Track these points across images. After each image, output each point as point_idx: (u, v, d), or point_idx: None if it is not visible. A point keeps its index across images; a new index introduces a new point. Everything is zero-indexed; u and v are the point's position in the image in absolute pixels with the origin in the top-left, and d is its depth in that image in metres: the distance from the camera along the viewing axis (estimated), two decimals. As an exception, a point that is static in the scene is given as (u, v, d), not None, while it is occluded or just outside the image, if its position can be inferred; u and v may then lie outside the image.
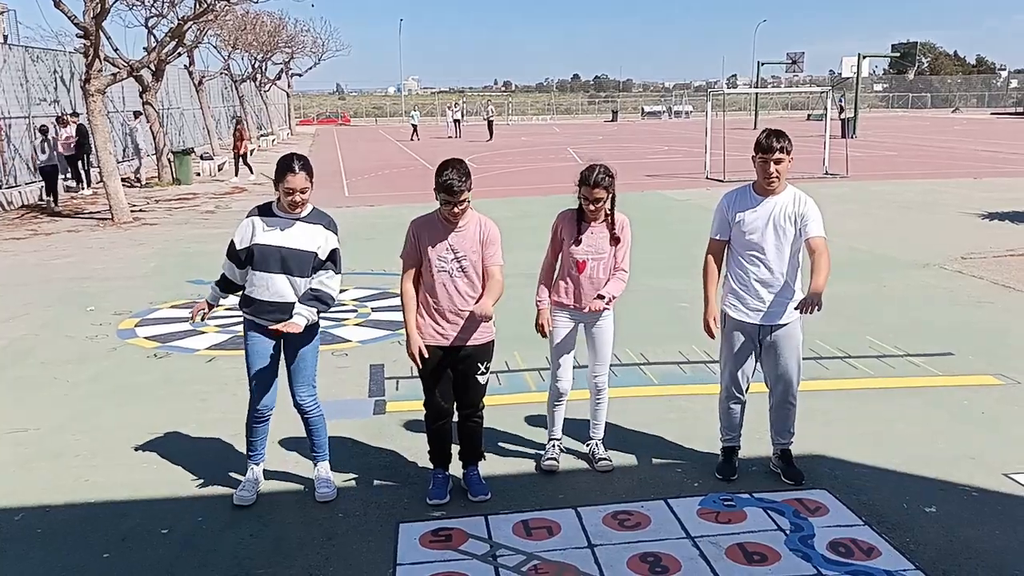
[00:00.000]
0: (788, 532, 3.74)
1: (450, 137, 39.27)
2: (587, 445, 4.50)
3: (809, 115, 53.84)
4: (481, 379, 4.06)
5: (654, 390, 5.59)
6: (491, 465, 4.44)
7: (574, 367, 4.36)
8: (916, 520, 3.84)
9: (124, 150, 21.23)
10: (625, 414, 4.98)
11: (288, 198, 3.87)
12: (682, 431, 4.83)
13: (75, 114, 18.50)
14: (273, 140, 37.75)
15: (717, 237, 4.21)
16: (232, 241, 4.00)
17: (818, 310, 3.86)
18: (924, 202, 14.85)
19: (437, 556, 3.60)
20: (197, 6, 17.54)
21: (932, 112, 68.38)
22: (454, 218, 3.87)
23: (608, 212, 4.15)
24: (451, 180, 3.76)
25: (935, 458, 4.48)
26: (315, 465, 4.22)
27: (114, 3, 15.18)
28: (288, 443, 4.80)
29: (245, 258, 3.96)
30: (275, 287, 3.91)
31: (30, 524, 3.96)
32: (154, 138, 20.51)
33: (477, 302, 3.89)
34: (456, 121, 40.70)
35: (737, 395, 4.30)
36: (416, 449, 4.56)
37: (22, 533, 3.88)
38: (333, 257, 4.00)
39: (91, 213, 15.24)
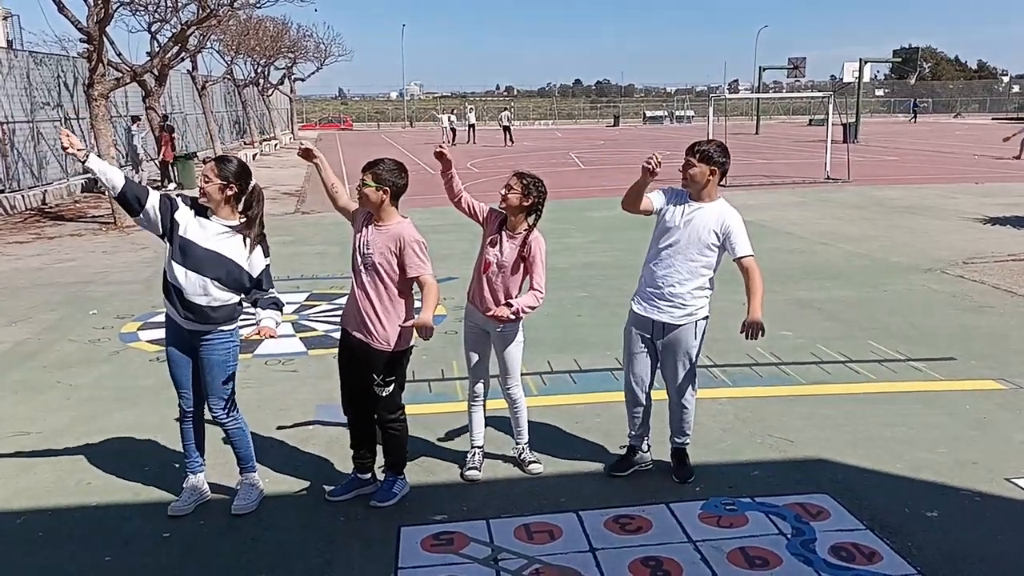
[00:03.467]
0: (789, 536, 3.74)
1: (451, 143, 39.18)
2: (514, 451, 4.54)
3: (811, 120, 53.89)
4: (379, 391, 4.01)
5: (656, 394, 5.58)
6: (491, 469, 4.45)
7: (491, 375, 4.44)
8: (918, 525, 3.84)
9: (126, 156, 21.26)
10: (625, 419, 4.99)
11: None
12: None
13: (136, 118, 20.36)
14: (276, 145, 37.80)
15: (654, 198, 4.20)
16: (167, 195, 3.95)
17: (762, 335, 3.90)
18: (926, 207, 14.85)
19: (438, 560, 3.60)
20: (200, 11, 17.59)
21: (933, 117, 68.39)
22: (359, 197, 3.94)
23: (528, 227, 4.21)
24: (372, 164, 3.93)
25: (937, 463, 4.48)
26: (240, 474, 4.18)
27: (118, 8, 15.25)
28: (288, 448, 4.81)
29: (154, 208, 3.83)
30: (191, 286, 3.86)
31: (32, 527, 3.96)
32: (157, 143, 20.55)
33: (381, 316, 3.91)
34: (472, 126, 40.51)
35: (630, 395, 4.38)
36: (416, 453, 4.57)
37: (24, 536, 3.89)
38: (262, 278, 3.95)
39: (94, 217, 15.28)
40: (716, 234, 4.07)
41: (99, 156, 3.90)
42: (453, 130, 39.25)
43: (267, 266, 3.98)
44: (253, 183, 4.00)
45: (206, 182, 3.87)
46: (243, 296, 3.99)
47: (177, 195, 4.01)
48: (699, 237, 4.07)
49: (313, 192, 18.60)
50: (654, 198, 4.22)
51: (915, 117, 59.58)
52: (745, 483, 4.28)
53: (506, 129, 38.06)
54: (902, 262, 10.01)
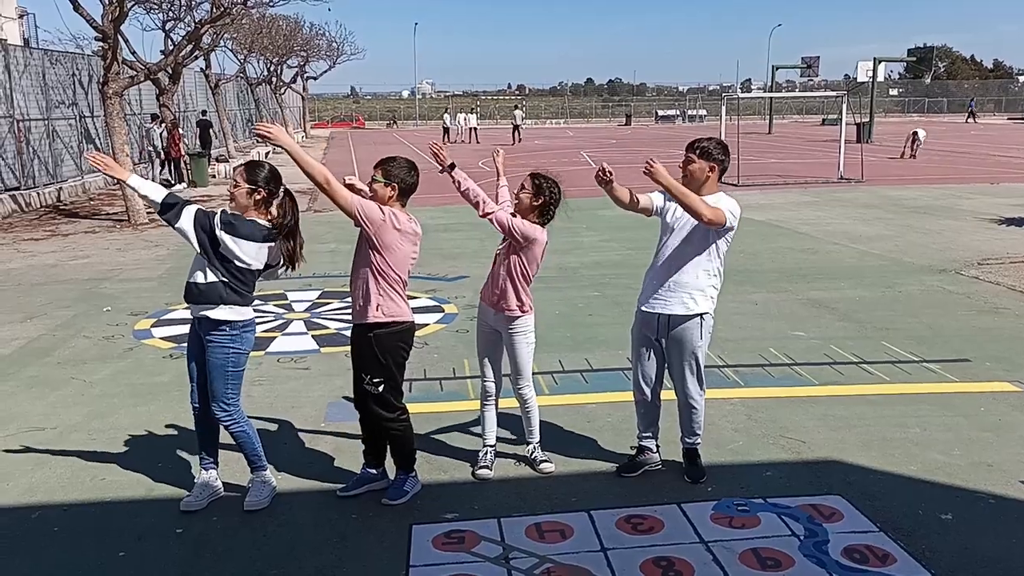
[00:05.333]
0: (802, 538, 3.73)
1: (462, 142, 39.33)
2: (525, 450, 4.55)
3: (824, 120, 53.61)
4: (370, 388, 4.02)
5: (666, 394, 5.57)
6: (502, 468, 4.45)
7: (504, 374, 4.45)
8: (932, 527, 3.82)
9: (141, 153, 21.39)
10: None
11: None
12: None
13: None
14: (288, 143, 37.82)
15: (655, 198, 4.24)
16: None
17: (651, 165, 3.89)
18: (940, 207, 14.75)
19: (450, 558, 3.60)
20: (214, 10, 17.67)
21: (948, 117, 67.92)
22: (369, 193, 4.01)
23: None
24: (383, 161, 4.02)
25: (951, 465, 4.45)
26: (251, 472, 4.19)
27: (132, 7, 15.32)
28: (300, 445, 4.83)
29: (187, 228, 3.88)
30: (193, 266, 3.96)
31: (47, 522, 3.99)
32: (172, 141, 20.65)
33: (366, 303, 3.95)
34: (473, 129, 40.67)
35: (638, 395, 4.39)
36: (427, 451, 4.58)
37: (39, 531, 3.92)
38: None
39: (108, 214, 15.37)
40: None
41: (137, 174, 4.03)
42: (446, 129, 39.54)
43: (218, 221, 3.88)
44: (284, 189, 4.03)
45: (234, 187, 3.93)
46: (217, 265, 3.88)
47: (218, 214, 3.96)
48: (697, 228, 4.06)
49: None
50: (653, 198, 4.26)
51: (972, 116, 57.90)
52: (757, 484, 4.26)
53: (516, 128, 38.16)
54: (916, 262, 9.95)
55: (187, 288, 3.97)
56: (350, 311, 4.10)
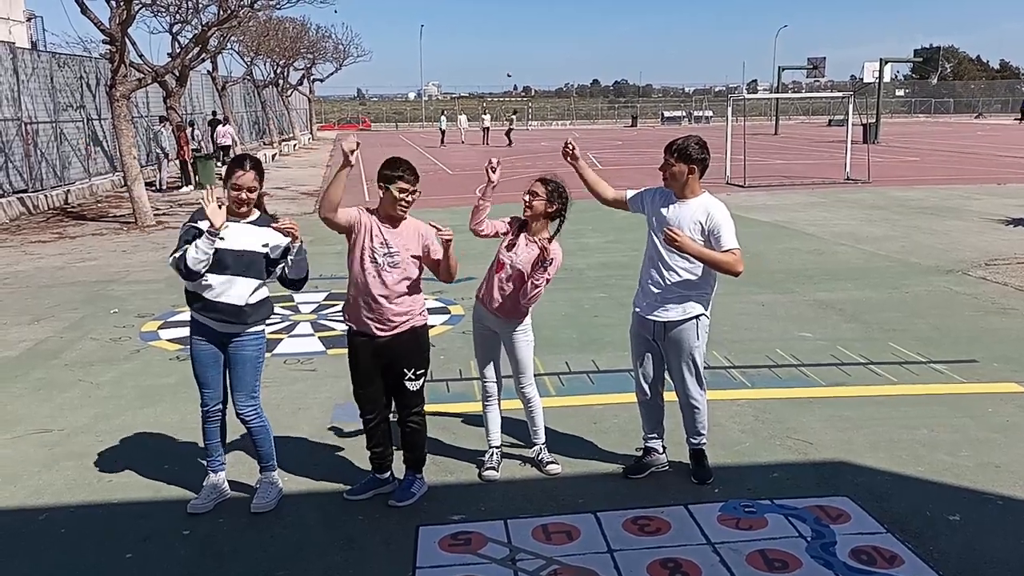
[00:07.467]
0: (809, 539, 3.72)
1: (462, 142, 39.52)
2: (531, 451, 4.52)
3: (830, 120, 53.48)
4: (411, 385, 4.06)
5: (668, 395, 5.56)
6: (508, 470, 4.44)
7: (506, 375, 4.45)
8: (939, 528, 3.80)
9: (148, 155, 21.46)
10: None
11: (235, 194, 3.89)
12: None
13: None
14: (295, 145, 37.98)
15: (629, 195, 4.35)
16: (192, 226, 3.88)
17: (672, 242, 3.92)
18: (947, 208, 14.70)
19: (456, 560, 3.60)
20: (221, 12, 17.72)
21: (955, 117, 67.69)
22: (403, 204, 3.97)
23: (549, 236, 4.22)
24: (407, 170, 3.99)
25: (958, 466, 4.43)
26: (260, 472, 4.20)
27: (139, 10, 15.38)
28: (307, 447, 4.83)
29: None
30: (220, 288, 3.89)
31: (54, 523, 4.00)
32: (178, 143, 20.73)
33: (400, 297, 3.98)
34: (486, 129, 40.98)
35: (641, 396, 4.39)
36: (433, 452, 4.57)
37: (46, 532, 3.93)
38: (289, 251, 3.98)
39: (115, 217, 15.42)
40: (701, 225, 4.03)
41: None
42: (443, 132, 39.85)
43: (288, 247, 3.99)
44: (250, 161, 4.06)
45: (251, 191, 3.89)
46: (270, 277, 4.01)
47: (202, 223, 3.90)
48: (685, 230, 4.03)
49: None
50: (629, 193, 4.33)
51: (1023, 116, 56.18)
52: (764, 485, 4.25)
53: (486, 131, 38.93)
54: (923, 263, 9.91)
55: (233, 311, 3.89)
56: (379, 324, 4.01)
